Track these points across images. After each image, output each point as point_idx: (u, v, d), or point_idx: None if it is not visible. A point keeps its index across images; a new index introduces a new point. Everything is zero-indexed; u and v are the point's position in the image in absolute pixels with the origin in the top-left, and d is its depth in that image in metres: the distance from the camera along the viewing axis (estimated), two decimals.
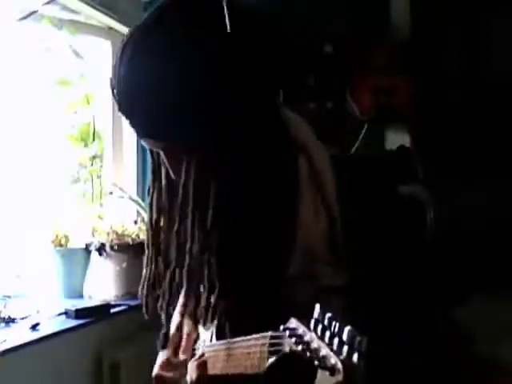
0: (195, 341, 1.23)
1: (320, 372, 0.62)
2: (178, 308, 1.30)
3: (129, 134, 2.55)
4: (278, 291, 0.96)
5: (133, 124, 0.96)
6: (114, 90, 0.94)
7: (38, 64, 2.21)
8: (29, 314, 1.80)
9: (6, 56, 2.09)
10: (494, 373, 1.79)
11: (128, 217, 2.33)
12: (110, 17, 2.37)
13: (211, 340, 1.12)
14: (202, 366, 1.05)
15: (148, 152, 1.05)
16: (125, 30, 2.50)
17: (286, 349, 0.71)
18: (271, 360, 0.68)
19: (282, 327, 0.74)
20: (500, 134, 2.28)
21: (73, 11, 2.29)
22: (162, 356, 1.22)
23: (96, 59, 2.46)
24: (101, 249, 2.05)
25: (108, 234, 2.08)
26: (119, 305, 2.01)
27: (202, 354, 1.09)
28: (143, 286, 1.13)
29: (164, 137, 0.94)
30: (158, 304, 1.11)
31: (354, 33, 2.37)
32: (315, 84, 2.41)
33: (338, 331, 0.62)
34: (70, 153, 2.36)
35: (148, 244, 1.10)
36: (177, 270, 1.03)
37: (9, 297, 1.90)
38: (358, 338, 0.60)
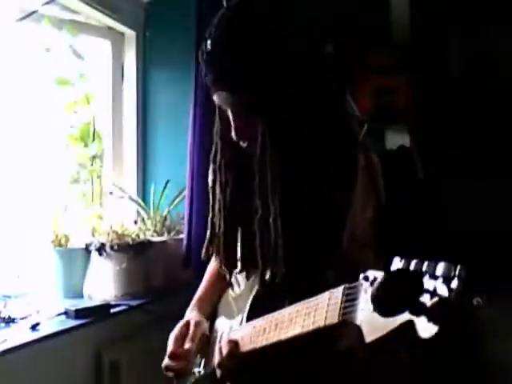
0: (210, 333, 1.26)
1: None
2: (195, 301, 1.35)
3: (129, 134, 2.55)
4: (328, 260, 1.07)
5: (217, 74, 1.07)
6: (208, 41, 1.07)
7: (38, 64, 2.21)
8: (29, 313, 1.80)
9: (6, 56, 2.10)
10: None
11: (128, 217, 2.33)
12: (110, 17, 2.38)
13: (241, 325, 1.16)
14: (233, 344, 1.10)
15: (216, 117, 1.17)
16: (125, 30, 2.50)
17: (366, 296, 0.76)
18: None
19: (360, 277, 0.79)
20: (500, 134, 2.28)
21: (73, 11, 2.29)
22: (169, 348, 1.25)
23: (96, 59, 2.46)
24: (101, 249, 2.05)
25: (108, 234, 2.08)
26: (119, 305, 2.00)
27: (231, 338, 1.13)
28: (210, 244, 1.23)
29: (242, 88, 1.06)
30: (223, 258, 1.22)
31: (354, 33, 2.37)
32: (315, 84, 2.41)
33: (429, 268, 0.67)
34: (69, 153, 2.36)
35: (215, 206, 1.20)
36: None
37: (9, 297, 1.90)
38: (457, 267, 0.65)
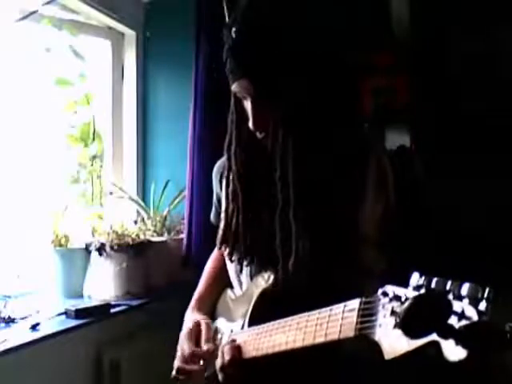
0: (215, 333, 1.25)
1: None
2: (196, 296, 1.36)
3: (129, 134, 2.56)
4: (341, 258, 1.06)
5: (241, 61, 1.08)
6: (233, 29, 1.08)
7: (38, 64, 2.21)
8: (29, 313, 1.80)
9: (6, 56, 2.09)
10: None
11: (128, 217, 2.33)
12: (110, 17, 2.37)
13: (242, 328, 1.15)
14: (236, 349, 1.09)
15: (231, 112, 1.18)
16: (125, 30, 2.50)
17: (384, 312, 0.74)
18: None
19: (378, 291, 0.77)
20: (500, 134, 2.28)
21: (73, 11, 2.29)
22: (184, 349, 1.24)
23: (96, 59, 2.46)
24: (101, 249, 2.05)
25: (108, 234, 2.08)
26: (119, 305, 2.00)
27: (234, 340, 1.12)
28: (225, 236, 1.21)
29: (262, 78, 1.07)
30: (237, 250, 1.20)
31: (354, 33, 2.37)
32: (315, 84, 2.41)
33: (454, 288, 0.65)
34: (69, 153, 2.36)
35: (228, 195, 1.19)
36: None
37: (9, 297, 1.90)
38: (486, 289, 0.63)
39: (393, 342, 0.71)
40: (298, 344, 0.93)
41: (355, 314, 0.80)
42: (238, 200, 1.18)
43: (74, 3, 2.23)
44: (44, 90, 2.26)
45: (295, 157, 1.09)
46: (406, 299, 0.70)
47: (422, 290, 0.68)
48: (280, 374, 1.08)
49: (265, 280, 1.13)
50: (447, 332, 0.64)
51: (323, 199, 1.09)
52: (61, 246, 2.06)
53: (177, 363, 1.25)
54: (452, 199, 2.24)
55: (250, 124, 1.11)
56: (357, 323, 0.80)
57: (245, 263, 1.20)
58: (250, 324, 1.13)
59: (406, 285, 0.72)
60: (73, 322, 1.79)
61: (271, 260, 1.11)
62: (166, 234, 2.28)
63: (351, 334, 0.80)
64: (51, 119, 2.31)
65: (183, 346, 1.24)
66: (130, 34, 2.53)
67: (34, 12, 2.07)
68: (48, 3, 2.09)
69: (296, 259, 1.07)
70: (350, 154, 1.12)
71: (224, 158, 1.26)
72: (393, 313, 0.72)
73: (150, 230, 2.25)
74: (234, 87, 1.12)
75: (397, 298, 0.72)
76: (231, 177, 1.19)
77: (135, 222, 2.28)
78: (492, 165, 2.21)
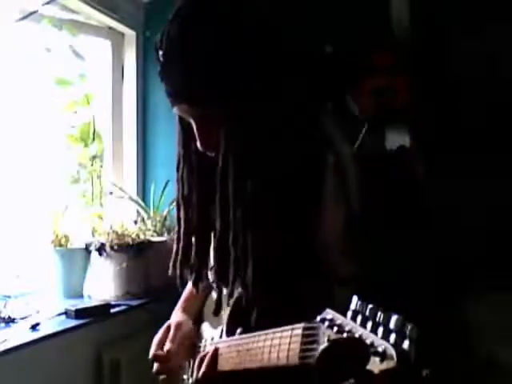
0: (197, 338, 1.25)
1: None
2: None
3: (129, 134, 2.56)
4: (302, 270, 1.01)
5: (173, 87, 1.02)
6: (160, 52, 1.03)
7: (38, 64, 2.21)
8: (29, 313, 1.80)
9: (6, 56, 2.09)
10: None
11: (128, 217, 2.33)
12: (110, 17, 2.37)
13: (221, 337, 1.13)
14: (211, 362, 1.06)
15: (177, 131, 1.11)
16: (125, 30, 2.50)
17: (323, 339, 0.70)
18: (323, 345, 0.66)
19: (317, 318, 0.74)
20: (500, 134, 2.28)
21: (73, 11, 2.29)
22: (151, 351, 1.25)
23: (96, 59, 2.46)
24: (101, 249, 2.05)
25: (108, 234, 2.08)
26: (119, 305, 2.01)
27: (216, 349, 1.08)
28: (176, 261, 1.15)
29: (200, 101, 1.00)
30: (190, 276, 1.15)
31: (354, 33, 2.37)
32: (315, 84, 2.41)
33: (383, 320, 0.63)
34: (69, 153, 2.36)
35: (180, 219, 1.13)
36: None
37: (9, 297, 1.90)
38: (409, 326, 0.61)
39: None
40: (256, 365, 0.91)
41: (299, 340, 0.78)
42: (189, 221, 1.12)
43: (74, 3, 2.23)
44: (44, 90, 2.26)
45: (236, 173, 1.01)
46: (340, 326, 0.68)
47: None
48: None
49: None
50: (365, 378, 0.62)
51: (273, 211, 1.01)
52: (61, 245, 2.06)
53: (151, 351, 1.26)
54: (452, 199, 2.24)
55: (198, 145, 1.05)
56: (300, 350, 0.77)
57: (200, 286, 1.17)
58: (227, 332, 1.10)
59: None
60: (73, 322, 1.79)
61: (224, 281, 1.07)
62: (165, 234, 2.27)
63: (296, 361, 0.78)
64: (51, 119, 2.31)
65: (151, 348, 1.26)
66: (130, 33, 2.53)
67: (34, 12, 2.07)
68: (48, 3, 2.09)
69: (245, 280, 1.01)
70: (304, 159, 1.03)
71: None
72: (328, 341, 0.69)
73: (150, 230, 2.25)
74: (174, 110, 1.07)
75: (335, 324, 0.70)
76: (180, 201, 1.13)
77: (135, 222, 2.28)
78: (492, 165, 2.21)
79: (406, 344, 0.60)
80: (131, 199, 2.37)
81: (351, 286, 0.97)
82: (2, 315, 1.74)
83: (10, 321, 1.74)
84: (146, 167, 2.57)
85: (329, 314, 0.73)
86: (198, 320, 1.31)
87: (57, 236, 2.06)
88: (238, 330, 1.06)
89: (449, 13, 2.38)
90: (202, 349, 1.22)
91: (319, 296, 0.95)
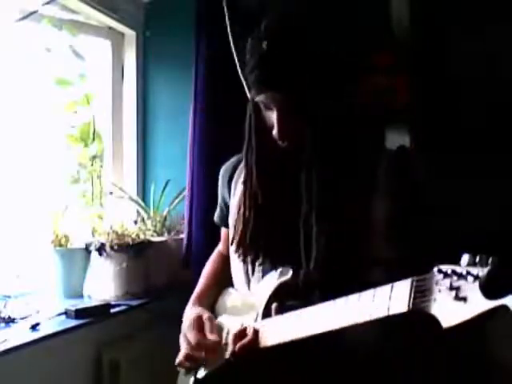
0: (218, 329, 1.26)
1: None
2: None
3: (129, 134, 2.56)
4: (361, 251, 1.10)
5: (271, 74, 1.09)
6: (264, 42, 1.09)
7: (38, 64, 2.21)
8: (29, 313, 1.80)
9: (6, 56, 2.10)
10: None
11: (128, 217, 2.33)
12: (110, 17, 2.38)
13: (255, 321, 1.16)
14: (254, 334, 1.11)
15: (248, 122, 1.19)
16: (125, 30, 2.50)
17: (436, 289, 0.78)
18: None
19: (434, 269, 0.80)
20: (500, 134, 2.28)
21: (73, 11, 2.29)
22: (189, 338, 1.25)
23: (96, 59, 2.46)
24: (101, 249, 2.05)
25: (108, 234, 2.08)
26: (119, 305, 2.01)
27: (254, 328, 1.13)
28: (243, 241, 1.23)
29: (293, 90, 1.08)
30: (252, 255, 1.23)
31: (354, 33, 2.37)
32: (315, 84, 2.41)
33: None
34: (69, 153, 2.36)
35: (255, 202, 1.21)
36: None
37: (9, 297, 1.90)
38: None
39: (451, 313, 0.75)
40: (351, 321, 0.93)
41: (407, 291, 0.83)
42: (258, 205, 1.20)
43: (74, 3, 2.23)
44: (44, 90, 2.26)
45: (320, 168, 1.13)
46: (468, 273, 0.75)
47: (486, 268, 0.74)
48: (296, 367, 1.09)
49: (281, 275, 1.16)
50: None
51: (343, 203, 1.12)
52: (61, 245, 2.06)
53: (184, 351, 1.26)
54: (452, 199, 2.24)
55: (275, 133, 1.13)
56: (410, 299, 0.82)
57: (258, 263, 1.23)
58: (264, 315, 1.14)
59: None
60: (73, 322, 1.79)
61: (290, 259, 1.14)
62: (166, 234, 2.28)
63: (405, 308, 0.83)
64: (51, 119, 2.31)
65: (188, 335, 1.26)
66: (130, 33, 2.53)
67: (34, 12, 2.07)
68: (48, 3, 2.09)
69: (317, 259, 1.10)
70: (369, 158, 1.17)
71: (233, 160, 1.35)
72: (451, 288, 0.76)
73: (150, 229, 2.25)
74: (260, 98, 1.13)
75: (455, 273, 0.76)
76: (251, 183, 1.21)
77: (135, 222, 2.28)
78: (492, 165, 2.21)
79: None
80: (131, 199, 2.37)
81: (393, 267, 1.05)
82: (2, 315, 1.74)
83: (10, 321, 1.74)
84: (145, 167, 2.57)
85: (444, 266, 0.79)
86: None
87: (57, 236, 2.06)
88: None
89: (449, 13, 2.38)
90: (225, 337, 1.24)
91: (370, 279, 0.99)
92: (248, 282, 1.27)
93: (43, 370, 1.67)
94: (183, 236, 2.22)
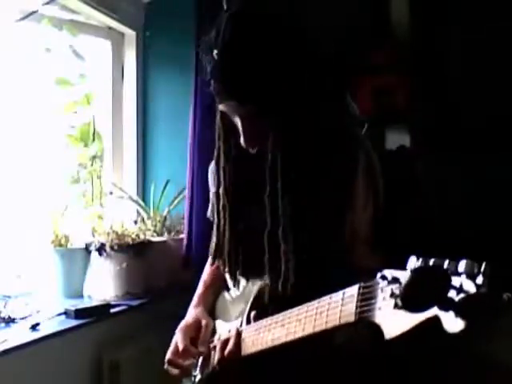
0: (212, 335, 1.26)
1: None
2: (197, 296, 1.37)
3: (129, 134, 2.55)
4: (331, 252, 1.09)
5: (225, 84, 1.07)
6: (214, 51, 1.06)
7: (38, 64, 2.21)
8: (29, 313, 1.80)
9: (6, 56, 2.09)
10: None
11: (128, 217, 2.33)
12: (110, 17, 2.37)
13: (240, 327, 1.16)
14: (236, 341, 1.11)
15: (217, 131, 1.19)
16: (125, 30, 2.50)
17: (381, 296, 0.76)
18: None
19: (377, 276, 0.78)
20: (500, 134, 2.28)
21: (73, 11, 2.29)
22: (177, 342, 1.26)
23: (96, 59, 2.46)
24: (101, 249, 2.05)
25: (108, 234, 2.08)
26: (119, 305, 2.00)
27: (239, 333, 1.13)
28: (219, 251, 1.23)
29: (249, 99, 1.06)
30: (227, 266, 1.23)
31: (354, 33, 2.37)
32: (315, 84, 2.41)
33: (450, 266, 0.67)
34: (69, 153, 2.36)
35: (223, 212, 1.20)
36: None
37: (9, 297, 1.90)
38: (483, 264, 0.65)
39: (393, 322, 0.73)
40: (298, 335, 0.94)
41: (354, 299, 0.82)
42: (226, 215, 1.20)
43: (74, 3, 2.23)
44: (44, 90, 2.26)
45: (284, 172, 1.10)
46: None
47: (420, 264, 0.70)
48: (276, 370, 1.09)
49: (262, 279, 1.15)
50: (447, 305, 0.65)
51: (312, 205, 1.10)
52: (61, 245, 2.06)
53: (168, 355, 1.26)
54: (452, 199, 2.24)
55: (242, 141, 1.12)
56: (356, 308, 0.81)
57: (237, 273, 1.23)
58: (248, 322, 1.14)
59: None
60: (73, 322, 1.79)
61: (263, 273, 1.14)
62: (165, 234, 2.28)
63: (351, 318, 0.82)
64: (51, 119, 2.31)
65: (178, 339, 1.26)
66: (130, 33, 2.53)
67: (34, 12, 2.07)
68: (48, 3, 2.09)
69: (285, 276, 1.09)
70: (339, 156, 1.13)
71: None
72: (392, 294, 0.73)
73: (150, 229, 2.25)
74: (221, 107, 1.12)
75: (395, 280, 0.74)
76: (221, 192, 1.20)
77: (135, 222, 2.28)
78: (492, 165, 2.21)
79: (479, 279, 0.64)
80: (131, 199, 2.37)
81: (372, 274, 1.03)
82: (2, 315, 1.74)
83: (10, 321, 1.74)
84: (145, 167, 2.57)
85: (387, 272, 0.76)
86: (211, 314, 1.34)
87: (57, 236, 2.06)
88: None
89: (449, 13, 2.38)
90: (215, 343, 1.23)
91: (346, 282, 0.98)
92: (238, 283, 1.27)
93: (43, 370, 1.67)
94: (183, 236, 2.22)
